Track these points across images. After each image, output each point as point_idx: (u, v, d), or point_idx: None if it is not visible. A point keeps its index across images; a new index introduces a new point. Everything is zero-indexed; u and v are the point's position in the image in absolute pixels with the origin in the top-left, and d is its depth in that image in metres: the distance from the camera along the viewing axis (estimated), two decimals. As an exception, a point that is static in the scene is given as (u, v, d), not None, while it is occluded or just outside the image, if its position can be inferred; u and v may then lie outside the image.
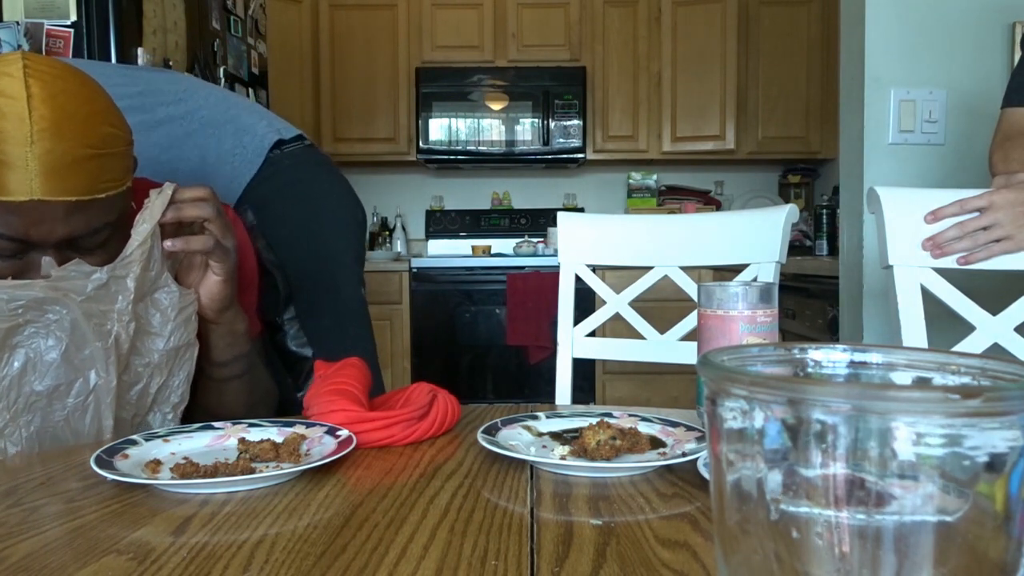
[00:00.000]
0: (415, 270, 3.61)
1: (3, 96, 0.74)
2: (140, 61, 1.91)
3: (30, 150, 0.74)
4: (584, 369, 3.53)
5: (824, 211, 2.68)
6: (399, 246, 4.05)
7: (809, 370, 0.35)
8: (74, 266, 0.80)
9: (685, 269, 1.28)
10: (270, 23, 3.03)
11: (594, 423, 0.75)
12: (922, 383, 0.33)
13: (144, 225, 0.83)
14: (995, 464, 0.25)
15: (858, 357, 0.34)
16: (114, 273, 0.82)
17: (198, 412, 0.96)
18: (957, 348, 1.02)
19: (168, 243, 0.85)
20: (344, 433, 0.75)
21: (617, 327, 1.47)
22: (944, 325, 1.14)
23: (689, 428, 0.78)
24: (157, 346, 0.87)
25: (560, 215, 1.36)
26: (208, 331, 0.93)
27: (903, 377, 0.33)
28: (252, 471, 0.66)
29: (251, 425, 0.80)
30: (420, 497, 0.62)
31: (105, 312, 0.82)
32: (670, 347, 1.26)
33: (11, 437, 0.81)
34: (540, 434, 0.80)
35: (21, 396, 0.80)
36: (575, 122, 3.82)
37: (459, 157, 3.87)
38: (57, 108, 0.76)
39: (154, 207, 0.84)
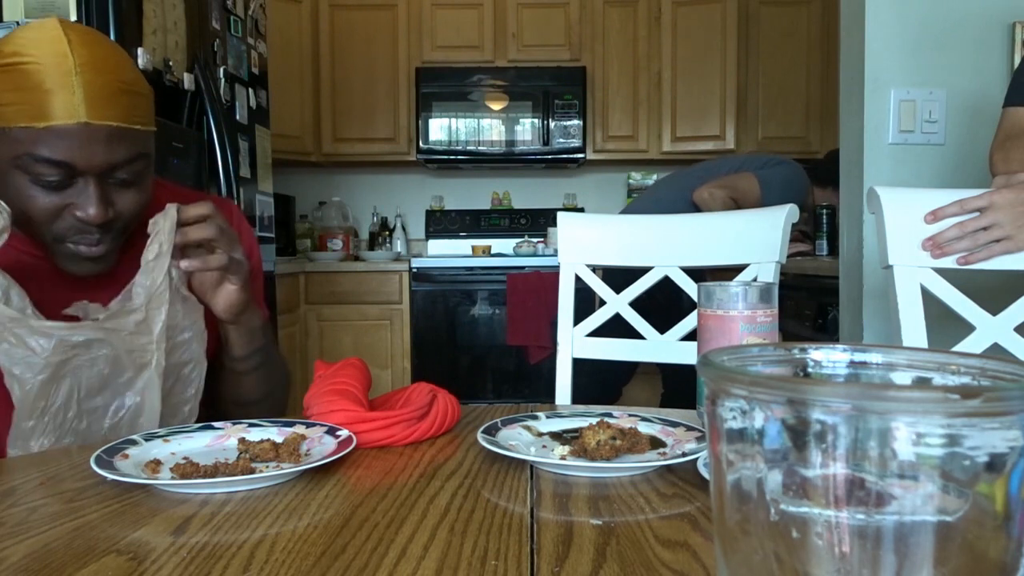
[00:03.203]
0: (415, 270, 3.61)
1: (46, 41, 0.84)
2: (140, 61, 1.91)
3: (75, 79, 0.83)
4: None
5: (824, 211, 2.68)
6: (399, 246, 4.05)
7: (809, 370, 0.35)
8: (117, 304, 0.88)
9: (685, 269, 1.28)
10: (270, 23, 3.03)
11: (594, 423, 0.75)
12: (922, 383, 0.33)
13: (162, 259, 0.88)
14: (995, 464, 0.25)
15: (858, 357, 0.34)
16: (150, 305, 0.88)
17: (222, 401, 1.05)
18: (957, 348, 1.02)
19: (185, 263, 0.91)
20: (344, 433, 0.75)
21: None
22: (944, 325, 1.13)
23: (689, 428, 0.78)
24: None
25: (560, 215, 1.35)
26: (227, 331, 1.00)
27: (903, 377, 0.33)
28: (252, 471, 0.66)
29: (251, 425, 0.80)
30: (420, 497, 0.62)
31: (144, 345, 0.88)
32: (670, 347, 1.26)
33: None
34: (540, 434, 0.80)
35: (66, 421, 0.86)
36: (575, 122, 3.81)
37: (459, 157, 3.87)
38: (94, 49, 0.86)
39: (163, 233, 0.89)
